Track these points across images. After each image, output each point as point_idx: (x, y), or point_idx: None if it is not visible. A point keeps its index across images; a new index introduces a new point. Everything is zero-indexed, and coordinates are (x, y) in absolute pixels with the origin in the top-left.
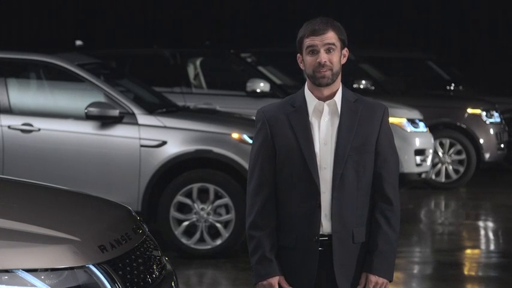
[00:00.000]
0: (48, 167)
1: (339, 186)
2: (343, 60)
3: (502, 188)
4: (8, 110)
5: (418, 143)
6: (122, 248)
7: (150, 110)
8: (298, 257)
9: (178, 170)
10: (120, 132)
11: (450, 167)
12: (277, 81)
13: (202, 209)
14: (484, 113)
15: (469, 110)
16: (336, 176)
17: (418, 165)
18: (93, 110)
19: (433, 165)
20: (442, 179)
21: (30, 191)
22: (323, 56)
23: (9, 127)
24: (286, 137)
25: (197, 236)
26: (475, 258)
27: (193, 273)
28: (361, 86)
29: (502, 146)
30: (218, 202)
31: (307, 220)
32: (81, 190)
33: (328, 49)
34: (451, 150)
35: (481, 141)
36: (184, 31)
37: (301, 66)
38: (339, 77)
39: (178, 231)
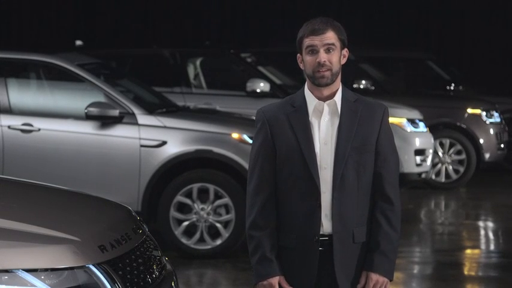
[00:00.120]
0: (48, 167)
1: (340, 186)
2: (343, 61)
3: (502, 188)
4: (8, 110)
5: (418, 143)
6: (122, 248)
7: (150, 110)
8: (298, 257)
9: (178, 170)
10: (120, 132)
11: (450, 167)
12: (277, 81)
13: (202, 209)
14: (484, 113)
15: (469, 110)
16: (336, 176)
17: (418, 165)
18: (93, 110)
19: (433, 165)
20: (442, 179)
21: (30, 191)
22: (322, 56)
23: (9, 127)
24: (286, 137)
25: (197, 236)
26: (475, 258)
27: (193, 273)
28: (361, 86)
29: (502, 146)
30: (218, 202)
31: (307, 220)
32: (81, 190)
33: (327, 49)
34: (451, 150)
35: (481, 141)
36: (184, 31)
37: (301, 66)
38: (339, 77)
39: (178, 231)
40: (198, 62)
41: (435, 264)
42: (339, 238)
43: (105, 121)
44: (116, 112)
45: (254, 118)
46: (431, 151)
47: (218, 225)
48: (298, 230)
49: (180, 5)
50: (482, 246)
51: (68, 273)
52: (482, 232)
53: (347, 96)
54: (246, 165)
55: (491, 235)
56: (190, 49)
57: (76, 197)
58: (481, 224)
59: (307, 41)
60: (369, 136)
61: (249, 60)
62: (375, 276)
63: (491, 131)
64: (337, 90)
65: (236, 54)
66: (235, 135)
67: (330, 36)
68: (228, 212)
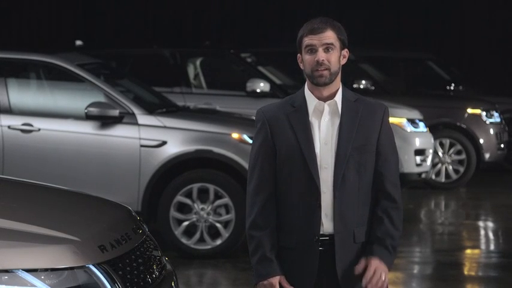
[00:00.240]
0: (48, 167)
1: (341, 186)
2: (343, 61)
3: (502, 188)
4: (8, 110)
5: (418, 143)
6: (122, 248)
7: (150, 110)
8: (298, 257)
9: (178, 170)
10: (120, 132)
11: (450, 167)
12: (277, 81)
13: (202, 209)
14: (484, 113)
15: (469, 110)
16: (337, 176)
17: (418, 165)
18: (93, 110)
19: (433, 165)
20: (442, 179)
21: (30, 191)
22: (321, 55)
23: (9, 127)
24: (286, 137)
25: (197, 236)
26: (475, 258)
27: (193, 273)
28: (361, 86)
29: (502, 146)
30: (218, 202)
31: (307, 220)
32: (81, 190)
33: (326, 48)
34: (451, 150)
35: (481, 141)
36: (184, 31)
37: (301, 66)
38: (338, 77)
39: (178, 231)
40: (198, 62)
41: (435, 264)
42: (340, 238)
43: (105, 121)
44: (116, 112)
45: (254, 118)
46: (431, 151)
47: (218, 225)
48: (298, 230)
49: (180, 5)
50: (482, 246)
51: (68, 273)
52: (482, 232)
53: (347, 96)
54: (246, 165)
55: (491, 235)
56: (190, 49)
57: (76, 197)
58: (481, 224)
59: (306, 40)
60: (370, 136)
61: (249, 60)
62: (376, 261)
63: (491, 131)
64: (337, 90)
65: (236, 54)
66: (235, 135)
67: (329, 36)
68: (228, 212)
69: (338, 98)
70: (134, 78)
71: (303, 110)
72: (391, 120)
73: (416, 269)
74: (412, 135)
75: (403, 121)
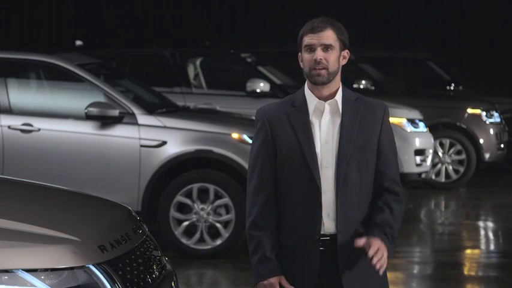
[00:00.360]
0: (48, 167)
1: (343, 185)
2: (343, 62)
3: (502, 188)
4: (8, 110)
5: (418, 143)
6: (122, 248)
7: (150, 110)
8: (299, 256)
9: (178, 170)
10: (120, 132)
11: (450, 167)
12: (277, 81)
13: (202, 209)
14: (484, 113)
15: (469, 110)
16: (339, 175)
17: (418, 165)
18: (93, 110)
19: (433, 165)
20: (442, 179)
21: (30, 191)
22: (319, 54)
23: (9, 127)
24: (286, 136)
25: (197, 236)
26: (475, 258)
27: (193, 273)
28: (361, 86)
29: (502, 146)
30: (218, 202)
31: (308, 220)
32: (81, 190)
33: (325, 48)
34: (451, 150)
35: (481, 141)
36: (184, 31)
37: (301, 64)
38: (338, 77)
39: (178, 231)
40: (198, 62)
41: (435, 264)
42: (343, 237)
43: (105, 121)
44: (115, 112)
45: (254, 118)
46: (431, 151)
47: (218, 225)
48: (298, 229)
49: (180, 5)
50: (482, 246)
51: (68, 273)
52: (482, 232)
53: (347, 96)
54: (246, 165)
55: (491, 235)
56: (190, 49)
57: (76, 197)
58: (481, 224)
59: (306, 39)
60: (371, 135)
61: (249, 60)
62: (377, 241)
63: (491, 131)
64: (337, 89)
65: (236, 54)
66: (235, 135)
67: (329, 35)
68: (228, 212)
69: (338, 97)
70: (134, 78)
71: (303, 109)
72: (391, 120)
73: (416, 269)
74: (412, 135)
75: (403, 121)
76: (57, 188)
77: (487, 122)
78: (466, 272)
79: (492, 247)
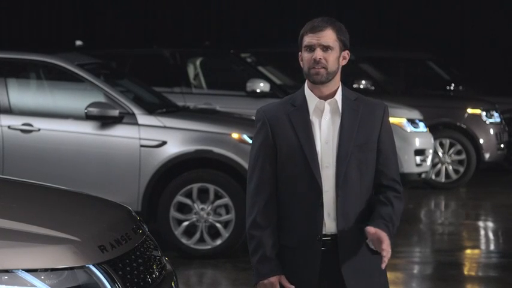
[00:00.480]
0: (48, 167)
1: (343, 184)
2: (343, 62)
3: (502, 188)
4: (8, 110)
5: (418, 143)
6: (122, 248)
7: (150, 110)
8: (300, 256)
9: (178, 170)
10: (120, 132)
11: (450, 167)
12: (277, 81)
13: (202, 209)
14: (484, 113)
15: (469, 110)
16: (339, 174)
17: (418, 165)
18: (93, 110)
19: (433, 165)
20: (442, 179)
21: (30, 191)
22: (318, 53)
23: (9, 127)
24: (287, 136)
25: (197, 236)
26: (475, 258)
27: (193, 273)
28: (361, 86)
29: (502, 146)
30: (218, 202)
31: (309, 219)
32: (81, 190)
33: (325, 48)
34: (451, 150)
35: (481, 141)
36: (184, 31)
37: (301, 64)
38: (337, 77)
39: (178, 231)
40: (198, 62)
41: (435, 264)
42: (344, 237)
43: (105, 121)
44: (115, 112)
45: (254, 118)
46: (431, 151)
47: (218, 225)
48: (299, 229)
49: (180, 5)
50: (482, 246)
51: (68, 273)
52: (482, 232)
53: (347, 95)
54: (246, 165)
55: (491, 235)
56: (190, 49)
57: (76, 197)
58: (481, 224)
59: (306, 39)
60: (371, 134)
61: (249, 60)
62: (387, 237)
63: (491, 131)
64: (337, 89)
65: (236, 54)
66: (235, 135)
67: (328, 35)
68: (228, 212)
69: (338, 96)
70: (134, 78)
71: (303, 109)
72: (391, 120)
73: (416, 269)
74: (412, 135)
75: (403, 121)
76: (57, 188)
77: (487, 122)
78: (466, 272)
79: (492, 247)
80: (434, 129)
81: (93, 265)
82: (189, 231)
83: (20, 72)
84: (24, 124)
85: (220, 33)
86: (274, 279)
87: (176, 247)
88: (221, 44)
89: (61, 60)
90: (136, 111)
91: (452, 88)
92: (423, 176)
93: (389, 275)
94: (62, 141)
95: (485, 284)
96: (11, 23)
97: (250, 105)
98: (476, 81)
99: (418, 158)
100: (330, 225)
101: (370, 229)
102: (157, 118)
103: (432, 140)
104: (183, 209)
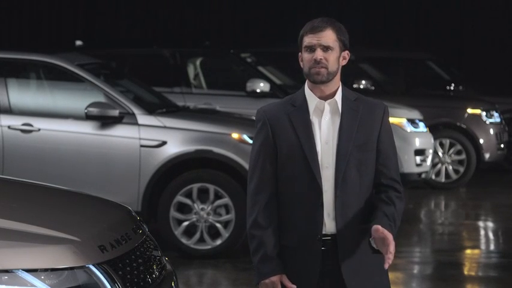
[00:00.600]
0: (48, 167)
1: (342, 185)
2: (343, 62)
3: (502, 188)
4: (8, 110)
5: (418, 143)
6: (122, 248)
7: (150, 110)
8: (300, 256)
9: (178, 170)
10: (120, 132)
11: (450, 167)
12: (277, 81)
13: (202, 209)
14: (484, 113)
15: (469, 110)
16: (338, 174)
17: (418, 165)
18: (93, 110)
19: (433, 165)
20: (442, 179)
21: (30, 191)
22: (318, 54)
23: (9, 127)
24: (287, 136)
25: (197, 236)
26: (475, 258)
27: (193, 273)
28: (361, 86)
29: (502, 146)
30: (218, 202)
31: (309, 219)
32: (81, 190)
33: (325, 48)
34: (451, 150)
35: (481, 141)
36: (184, 31)
37: (301, 64)
38: (338, 77)
39: (178, 231)
40: (198, 62)
41: (435, 264)
42: (343, 237)
43: (105, 121)
44: (115, 112)
45: (254, 118)
46: (431, 151)
47: (218, 225)
48: (299, 229)
49: (180, 5)
50: (482, 246)
51: (68, 273)
52: (482, 232)
53: (347, 95)
54: (246, 165)
55: (491, 235)
56: (190, 49)
57: (76, 197)
58: (481, 224)
59: (306, 39)
60: (370, 134)
61: (249, 60)
62: (391, 236)
63: (491, 131)
64: (337, 89)
65: (236, 54)
66: (235, 135)
67: (328, 35)
68: (228, 212)
69: (338, 97)
70: (134, 78)
71: (303, 109)
72: (391, 120)
73: (416, 269)
74: (412, 135)
75: (403, 121)
76: (57, 188)
77: (487, 122)
78: (466, 272)
79: (492, 247)
80: (434, 129)
81: (93, 265)
82: (189, 231)
83: (20, 72)
84: (24, 124)
85: (220, 33)
86: (275, 278)
87: (176, 247)
88: (221, 44)
89: (61, 60)
90: (136, 111)
91: (452, 88)
92: (423, 176)
93: (390, 275)
94: (62, 141)
95: (485, 284)
96: (11, 23)
97: (250, 105)
98: (476, 81)
99: (418, 158)
100: (329, 225)
101: (378, 228)
102: (157, 118)
103: (432, 140)
104: (183, 209)
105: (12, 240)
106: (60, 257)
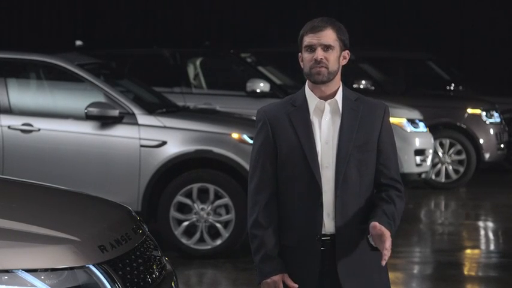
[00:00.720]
0: (48, 167)
1: (342, 185)
2: (343, 62)
3: (502, 188)
4: (8, 110)
5: (418, 143)
6: (122, 248)
7: (150, 110)
8: (300, 256)
9: (178, 170)
10: (120, 132)
11: (450, 167)
12: (277, 81)
13: (202, 209)
14: (484, 113)
15: (469, 110)
16: (338, 175)
17: (418, 165)
18: (93, 110)
19: (433, 165)
20: (442, 179)
21: (30, 191)
22: (319, 53)
23: (9, 127)
24: (287, 136)
25: (197, 236)
26: (475, 258)
27: (193, 273)
28: (361, 86)
29: (502, 146)
30: (218, 202)
31: (309, 219)
32: (81, 190)
33: (325, 47)
34: (451, 150)
35: (481, 141)
36: (184, 31)
37: (302, 64)
38: (338, 76)
39: (178, 231)
40: (198, 62)
41: (435, 264)
42: (341, 237)
43: (105, 121)
44: (115, 112)
45: (254, 118)
46: (431, 151)
47: (218, 225)
48: (299, 229)
49: (180, 5)
50: (482, 246)
51: (68, 273)
52: (482, 232)
53: (348, 95)
54: (246, 165)
55: (491, 235)
56: (190, 49)
57: (76, 197)
58: (481, 224)
59: (306, 39)
60: (371, 135)
61: (249, 60)
62: (389, 235)
63: (491, 131)
64: (337, 89)
65: (236, 54)
66: (235, 135)
67: (329, 35)
68: (228, 212)
69: (338, 97)
70: (134, 78)
71: (304, 109)
72: (391, 120)
73: (416, 269)
74: (412, 135)
75: (403, 121)
76: (57, 188)
77: (487, 122)
78: (466, 272)
79: (492, 247)
80: (434, 129)
81: (93, 265)
82: (189, 231)
83: (20, 72)
84: (24, 124)
85: (220, 33)
86: (277, 277)
87: (176, 247)
88: (221, 44)
89: (61, 60)
90: (136, 111)
91: (452, 88)
92: (423, 176)
93: (390, 275)
94: (61, 141)
95: (485, 284)
96: (11, 23)
97: (250, 105)
98: (476, 81)
99: (418, 158)
100: (329, 225)
101: (375, 224)
102: (157, 118)
103: (432, 140)
104: (183, 209)
105: (12, 240)
106: (60, 257)
